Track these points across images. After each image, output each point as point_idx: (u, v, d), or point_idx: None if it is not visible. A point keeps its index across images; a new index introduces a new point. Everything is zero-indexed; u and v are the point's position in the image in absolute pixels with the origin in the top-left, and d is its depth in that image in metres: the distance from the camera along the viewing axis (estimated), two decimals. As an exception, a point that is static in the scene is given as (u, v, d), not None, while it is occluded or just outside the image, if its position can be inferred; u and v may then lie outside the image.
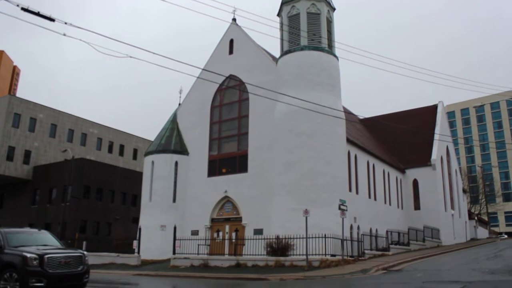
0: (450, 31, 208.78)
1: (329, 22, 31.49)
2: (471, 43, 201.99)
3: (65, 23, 12.98)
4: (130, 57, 15.20)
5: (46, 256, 11.98)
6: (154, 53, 15.94)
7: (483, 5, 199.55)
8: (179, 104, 37.95)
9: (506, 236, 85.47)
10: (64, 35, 13.96)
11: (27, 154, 51.34)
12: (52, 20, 12.71)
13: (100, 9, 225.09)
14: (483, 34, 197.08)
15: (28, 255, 11.82)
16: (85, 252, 13.38)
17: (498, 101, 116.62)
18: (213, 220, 32.86)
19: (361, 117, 50.53)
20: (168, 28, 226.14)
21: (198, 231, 32.25)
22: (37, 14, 12.56)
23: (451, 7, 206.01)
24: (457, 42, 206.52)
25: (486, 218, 76.72)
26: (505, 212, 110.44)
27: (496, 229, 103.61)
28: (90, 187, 47.73)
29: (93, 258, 27.49)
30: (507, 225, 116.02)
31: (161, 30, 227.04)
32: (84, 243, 35.00)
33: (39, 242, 13.37)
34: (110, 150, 60.41)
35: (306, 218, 22.19)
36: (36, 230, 15.03)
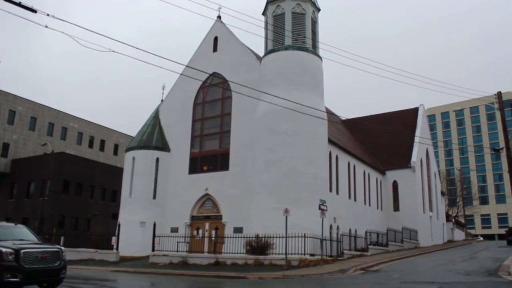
0: (433, 44, 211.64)
1: (314, 22, 31.63)
2: (454, 56, 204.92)
3: (47, 14, 12.77)
4: (113, 51, 15.02)
5: (22, 251, 11.77)
6: (137, 48, 15.80)
7: (468, 21, 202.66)
8: (162, 100, 37.73)
9: (481, 238, 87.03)
10: (46, 27, 13.71)
11: (5, 147, 50.51)
12: (34, 11, 12.49)
13: (81, 3, 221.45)
14: (464, 49, 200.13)
15: (4, 249, 11.58)
16: (62, 248, 13.18)
17: (477, 106, 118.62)
18: (193, 218, 32.76)
19: (343, 118, 50.96)
20: (148, 27, 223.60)
21: (178, 228, 32.13)
22: (19, 4, 12.33)
23: (437, 20, 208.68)
24: (439, 54, 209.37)
25: (463, 221, 77.96)
26: (481, 215, 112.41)
27: (473, 231, 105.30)
28: (70, 181, 47.14)
29: (71, 254, 27.20)
30: (483, 228, 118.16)
31: (140, 28, 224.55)
32: (62, 238, 34.63)
33: (16, 237, 13.13)
34: (90, 145, 59.77)
35: (286, 217, 22.26)
36: (12, 224, 14.75)
